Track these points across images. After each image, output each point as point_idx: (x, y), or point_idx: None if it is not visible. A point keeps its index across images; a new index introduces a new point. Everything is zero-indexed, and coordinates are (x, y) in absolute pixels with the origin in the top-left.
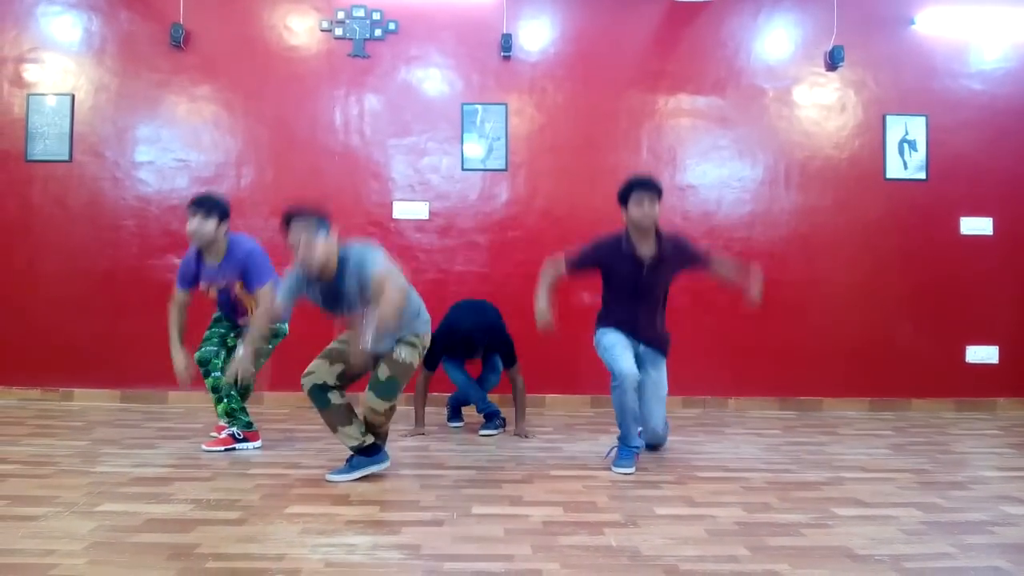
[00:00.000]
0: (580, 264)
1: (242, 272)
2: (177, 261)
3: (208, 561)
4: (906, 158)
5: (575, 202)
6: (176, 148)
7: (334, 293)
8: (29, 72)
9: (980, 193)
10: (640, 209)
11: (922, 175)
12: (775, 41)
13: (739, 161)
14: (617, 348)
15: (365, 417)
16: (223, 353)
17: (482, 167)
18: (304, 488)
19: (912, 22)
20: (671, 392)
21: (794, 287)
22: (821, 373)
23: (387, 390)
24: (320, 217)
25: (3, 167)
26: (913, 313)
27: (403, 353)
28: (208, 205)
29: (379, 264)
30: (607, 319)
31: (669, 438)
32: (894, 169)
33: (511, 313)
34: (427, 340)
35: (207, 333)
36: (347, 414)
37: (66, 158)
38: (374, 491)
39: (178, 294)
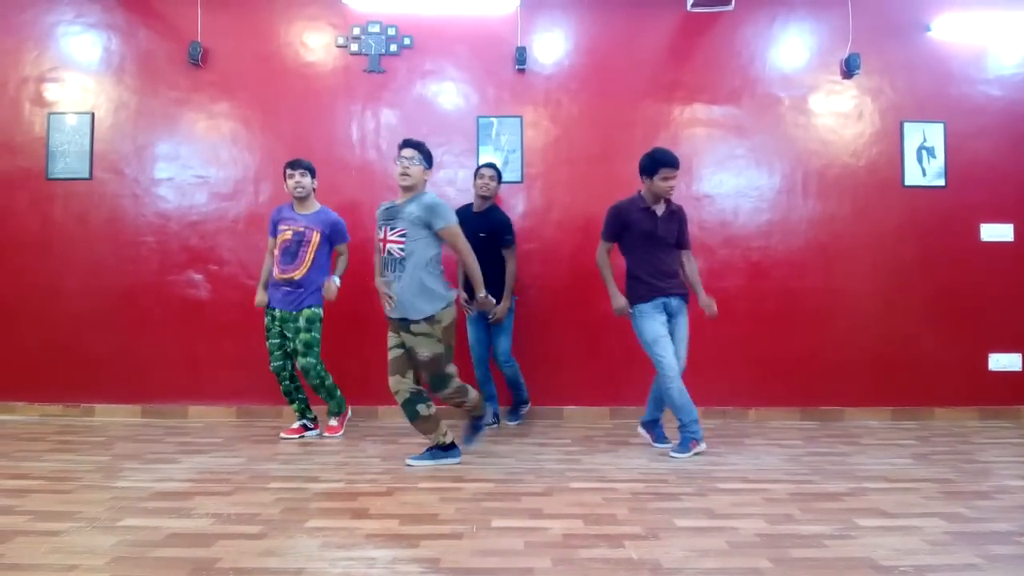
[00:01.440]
0: (614, 232)
1: (332, 228)
2: (197, 277)
3: (229, 575)
4: (924, 165)
5: (591, 213)
6: (195, 165)
7: (395, 211)
8: (50, 91)
9: (1000, 199)
10: (667, 183)
11: (941, 182)
12: (790, 50)
13: (756, 170)
14: (662, 341)
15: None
16: (289, 364)
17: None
18: (324, 502)
19: (928, 28)
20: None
21: (813, 296)
22: (842, 383)
23: (440, 381)
24: (430, 155)
25: (25, 185)
26: (934, 321)
27: (424, 352)
28: (304, 165)
29: (453, 220)
30: (639, 287)
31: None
32: (912, 176)
33: (529, 324)
34: (447, 316)
35: (268, 345)
36: (435, 423)
37: (86, 176)
38: (393, 505)
39: (270, 242)
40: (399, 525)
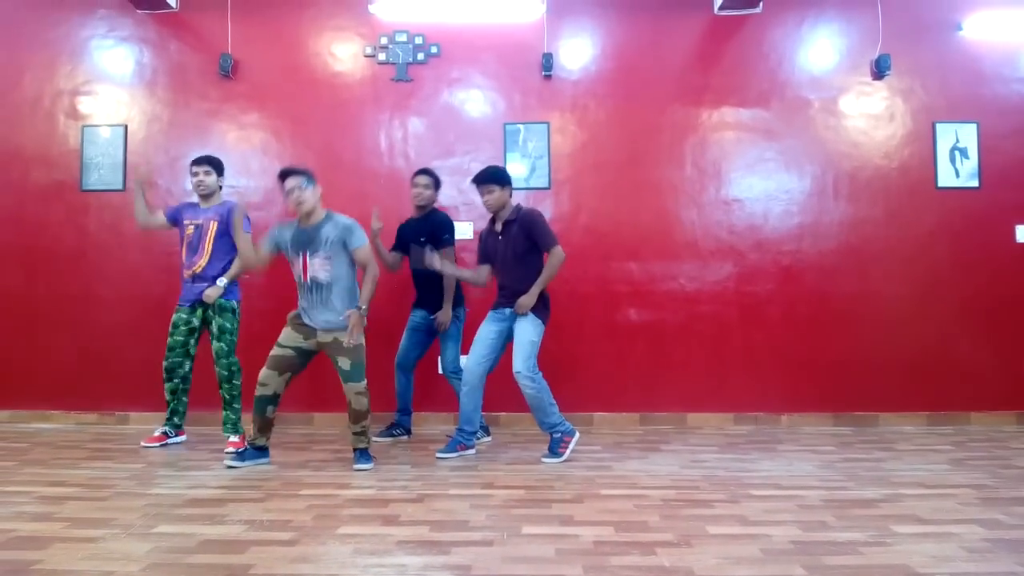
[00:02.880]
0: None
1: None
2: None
3: None
4: (958, 166)
5: (619, 219)
6: (226, 175)
7: (308, 236)
8: (83, 104)
9: None
10: (482, 198)
11: (975, 183)
12: (820, 51)
13: (786, 173)
14: (479, 345)
15: (351, 404)
16: (188, 364)
17: (525, 186)
18: (355, 508)
19: (959, 28)
20: (722, 409)
21: (846, 300)
22: (876, 387)
23: (358, 373)
24: (309, 174)
25: (59, 197)
26: (970, 324)
27: (345, 364)
28: (208, 161)
29: (365, 242)
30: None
31: (721, 455)
32: (946, 177)
33: (559, 330)
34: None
35: (169, 342)
36: (270, 426)
37: (120, 187)
38: (424, 511)
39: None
40: (430, 532)
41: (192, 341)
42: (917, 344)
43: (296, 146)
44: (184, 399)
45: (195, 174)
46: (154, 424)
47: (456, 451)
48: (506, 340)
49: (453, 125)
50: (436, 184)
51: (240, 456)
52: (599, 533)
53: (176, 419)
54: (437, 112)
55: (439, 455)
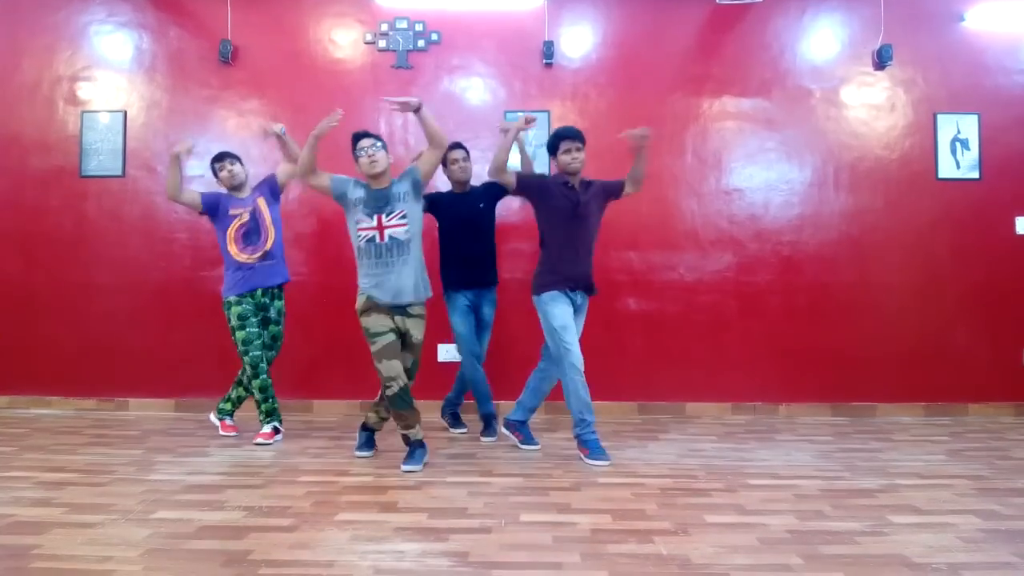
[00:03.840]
0: (529, 178)
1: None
2: None
3: (260, 568)
4: (958, 157)
5: (619, 208)
6: None
7: (384, 196)
8: (83, 90)
9: None
10: (568, 156)
11: (975, 174)
12: (821, 41)
13: (786, 163)
14: (570, 331)
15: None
16: (267, 356)
17: None
18: (354, 495)
19: (962, 18)
20: (720, 398)
21: (845, 290)
22: (874, 378)
23: (414, 372)
24: (383, 140)
25: (59, 183)
26: (969, 315)
27: (419, 335)
28: (230, 155)
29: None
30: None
31: (719, 445)
32: (946, 169)
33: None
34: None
35: (247, 335)
36: (418, 415)
37: (119, 173)
38: (422, 498)
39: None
40: (428, 519)
41: (265, 332)
42: (915, 335)
43: (296, 133)
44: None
45: (222, 169)
46: (154, 410)
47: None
48: None
49: (453, 113)
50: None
51: (414, 458)
52: (596, 521)
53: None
54: (437, 100)
55: (597, 463)
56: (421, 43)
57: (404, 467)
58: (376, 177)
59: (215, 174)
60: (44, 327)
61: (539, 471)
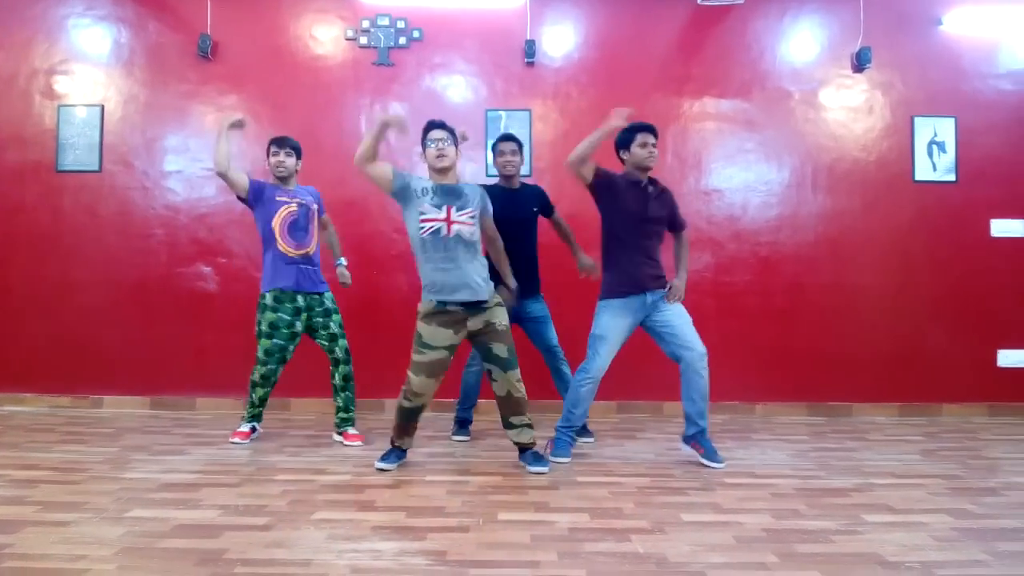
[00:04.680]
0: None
1: (319, 199)
2: (206, 269)
3: (236, 567)
4: (935, 160)
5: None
6: (204, 158)
7: (455, 191)
8: (59, 84)
9: (1011, 195)
10: (645, 150)
11: (951, 177)
12: (801, 43)
13: (765, 164)
14: (606, 343)
15: (512, 394)
16: (280, 369)
17: None
18: (330, 494)
19: (940, 22)
20: None
21: (822, 291)
22: (850, 378)
23: (515, 358)
24: (455, 134)
25: (35, 177)
26: (943, 317)
27: (502, 320)
28: (290, 144)
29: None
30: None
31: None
32: (923, 171)
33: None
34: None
35: (271, 345)
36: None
37: (96, 168)
38: (400, 497)
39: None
40: (406, 518)
41: (291, 347)
42: (890, 336)
43: (276, 129)
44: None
45: (275, 154)
46: (129, 408)
47: (570, 452)
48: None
49: (435, 111)
50: (521, 149)
51: (388, 459)
52: (574, 520)
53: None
54: (419, 97)
55: (553, 459)
56: (403, 40)
57: (378, 464)
58: (442, 172)
59: (268, 156)
60: (18, 323)
61: (517, 470)
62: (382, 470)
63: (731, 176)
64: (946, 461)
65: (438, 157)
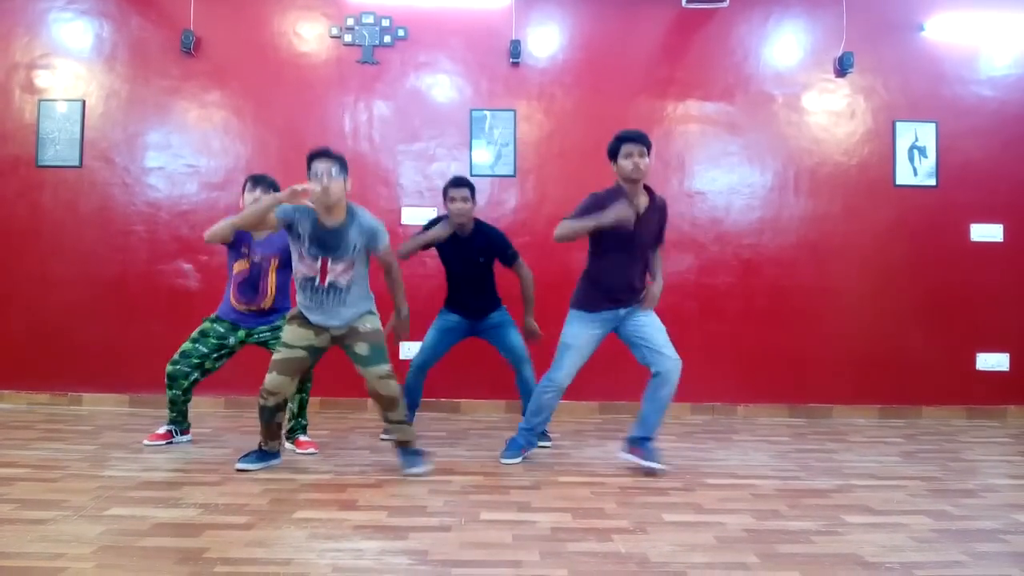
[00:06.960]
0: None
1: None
2: (186, 267)
3: (216, 565)
4: (916, 164)
5: None
6: (186, 154)
7: (334, 237)
8: (40, 78)
9: (990, 199)
10: (629, 161)
11: (932, 181)
12: (784, 47)
13: (748, 167)
14: (576, 354)
15: (378, 391)
16: (195, 376)
17: (491, 173)
18: (312, 493)
19: (922, 28)
20: (679, 399)
21: (803, 294)
22: (831, 380)
23: (379, 355)
24: (344, 161)
25: (14, 172)
26: (923, 320)
27: (368, 324)
28: (268, 182)
29: (387, 240)
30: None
31: (678, 445)
32: (904, 176)
33: (518, 319)
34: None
35: (191, 348)
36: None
37: (77, 164)
38: (382, 496)
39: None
40: (387, 517)
41: (217, 361)
42: (871, 338)
43: (258, 126)
44: (187, 404)
45: (251, 191)
46: (108, 405)
47: (521, 454)
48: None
49: (419, 110)
50: (474, 194)
51: (248, 458)
52: (556, 519)
53: (181, 419)
54: (403, 96)
55: (503, 460)
56: (388, 39)
57: (238, 464)
58: (328, 210)
59: (243, 192)
60: None
61: (499, 470)
62: (242, 470)
63: (714, 179)
64: (925, 463)
65: (323, 193)
